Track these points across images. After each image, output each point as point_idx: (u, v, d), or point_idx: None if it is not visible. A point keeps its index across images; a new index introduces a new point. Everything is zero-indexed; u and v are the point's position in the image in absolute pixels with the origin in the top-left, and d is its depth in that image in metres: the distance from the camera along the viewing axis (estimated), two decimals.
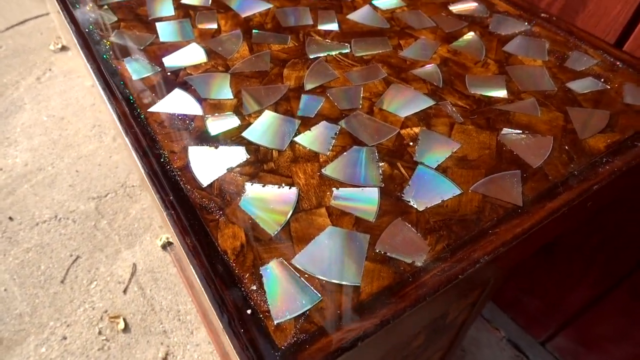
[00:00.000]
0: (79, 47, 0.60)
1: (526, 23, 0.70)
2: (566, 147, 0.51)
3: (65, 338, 1.29)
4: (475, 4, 0.73)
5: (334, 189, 0.46)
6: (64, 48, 2.23)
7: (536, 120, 0.54)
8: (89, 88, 2.03)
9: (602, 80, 0.60)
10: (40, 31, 2.38)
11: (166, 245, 1.46)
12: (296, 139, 0.51)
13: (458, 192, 0.46)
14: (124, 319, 1.32)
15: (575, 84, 0.59)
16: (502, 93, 0.58)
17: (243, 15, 0.69)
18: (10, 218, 1.57)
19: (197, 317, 1.30)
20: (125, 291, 1.40)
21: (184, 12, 0.69)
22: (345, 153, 0.49)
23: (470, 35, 0.67)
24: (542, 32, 0.68)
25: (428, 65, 0.61)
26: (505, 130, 0.53)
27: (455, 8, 0.72)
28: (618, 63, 0.63)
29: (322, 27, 0.67)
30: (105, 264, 1.46)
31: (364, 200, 0.45)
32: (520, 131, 0.53)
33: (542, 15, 0.71)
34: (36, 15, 2.49)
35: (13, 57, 2.22)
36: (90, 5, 0.69)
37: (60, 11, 0.66)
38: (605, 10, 0.76)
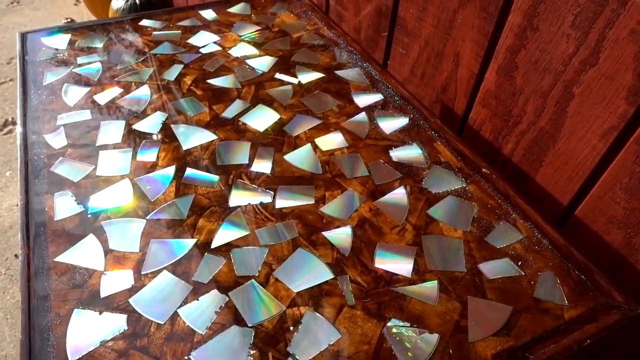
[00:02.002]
0: (19, 177, 0.64)
1: (463, 179, 0.69)
2: (450, 351, 0.49)
3: None
4: (418, 150, 0.73)
5: None
6: None
7: (430, 310, 0.53)
8: None
9: (520, 263, 0.58)
10: None
11: None
12: (180, 309, 0.52)
13: None
14: None
15: (488, 265, 0.58)
16: (406, 270, 0.57)
17: (185, 148, 0.72)
18: (16, 255, 1.65)
19: None
20: None
21: (130, 140, 0.73)
22: (219, 335, 0.50)
23: (398, 192, 0.66)
24: (476, 192, 0.67)
25: (342, 228, 0.61)
26: (393, 322, 0.52)
27: (395, 154, 0.72)
28: (544, 241, 0.61)
29: (256, 167, 0.69)
30: None
31: None
32: (409, 324, 0.51)
33: (483, 170, 0.70)
34: None
35: None
36: (48, 125, 0.74)
37: (18, 134, 0.71)
38: (573, 153, 0.74)
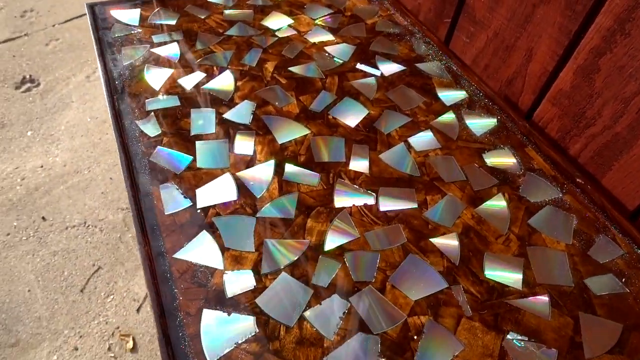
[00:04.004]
0: (122, 167, 0.64)
1: (558, 189, 0.69)
2: None
3: (76, 349, 1.36)
4: (511, 156, 0.73)
5: None
6: None
7: (545, 325, 0.55)
8: None
9: (623, 280, 0.60)
10: None
11: None
12: (306, 313, 0.53)
13: None
14: (134, 339, 1.38)
15: (594, 280, 0.59)
16: (517, 283, 0.58)
17: (280, 142, 0.71)
18: (44, 218, 1.65)
19: None
20: (138, 310, 1.46)
21: (224, 130, 0.72)
22: (349, 341, 0.51)
23: (498, 199, 0.67)
24: (573, 203, 0.68)
25: (449, 235, 0.62)
26: (512, 335, 0.53)
27: (489, 159, 0.72)
28: None
29: (353, 166, 0.69)
30: (124, 278, 1.53)
31: None
32: (527, 338, 0.53)
33: (578, 180, 0.70)
34: None
35: (68, 51, 2.32)
36: (138, 111, 0.73)
37: (110, 117, 0.70)
38: None
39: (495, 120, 0.78)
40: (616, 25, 0.74)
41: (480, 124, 0.78)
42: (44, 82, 2.15)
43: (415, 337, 0.52)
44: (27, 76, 2.15)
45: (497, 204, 0.66)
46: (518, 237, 0.63)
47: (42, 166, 1.81)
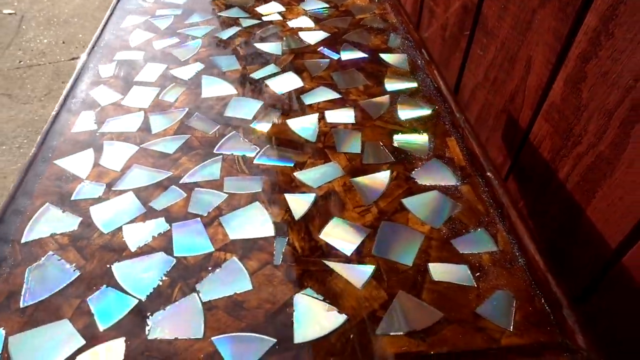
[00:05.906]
0: (63, 94, 0.75)
1: (460, 178, 0.62)
2: (351, 336, 0.46)
3: None
4: (425, 141, 0.67)
5: (104, 286, 0.50)
6: None
7: (351, 292, 0.49)
8: None
9: (477, 274, 0.51)
10: None
11: None
12: (125, 226, 0.56)
13: (200, 337, 0.46)
14: None
15: (440, 266, 0.52)
16: (349, 249, 0.53)
17: (203, 95, 0.76)
18: None
19: None
20: None
21: (163, 81, 0.79)
22: (145, 256, 0.53)
23: (381, 175, 0.62)
24: (468, 194, 0.60)
25: (306, 194, 0.60)
26: (308, 291, 0.49)
27: (399, 139, 0.68)
28: (520, 260, 0.52)
29: (255, 124, 0.70)
30: None
31: (118, 304, 0.48)
32: (322, 297, 0.49)
33: (488, 174, 0.62)
34: None
35: None
36: (106, 58, 0.84)
37: (81, 58, 0.82)
38: (631, 187, 0.63)
39: (430, 110, 0.73)
40: (601, 24, 0.66)
41: (411, 111, 0.73)
42: None
43: (210, 269, 0.51)
44: None
45: (376, 178, 0.62)
46: (381, 211, 0.58)
47: None
